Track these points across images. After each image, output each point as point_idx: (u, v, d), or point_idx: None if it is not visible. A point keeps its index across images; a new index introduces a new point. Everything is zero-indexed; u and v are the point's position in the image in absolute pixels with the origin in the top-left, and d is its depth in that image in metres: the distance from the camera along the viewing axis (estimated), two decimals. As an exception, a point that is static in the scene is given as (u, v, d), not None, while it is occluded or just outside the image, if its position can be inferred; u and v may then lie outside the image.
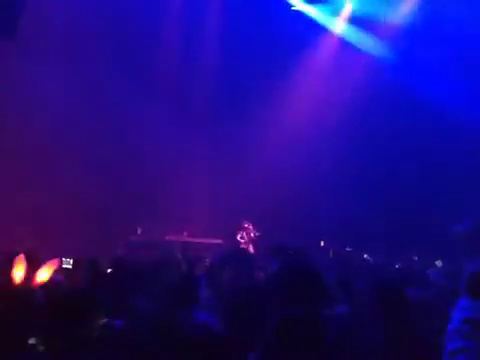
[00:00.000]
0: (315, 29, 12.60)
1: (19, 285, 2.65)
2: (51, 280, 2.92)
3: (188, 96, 12.44)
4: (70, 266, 4.35)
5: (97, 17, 10.66)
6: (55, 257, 2.92)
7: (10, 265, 2.81)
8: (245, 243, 10.11)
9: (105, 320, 2.82)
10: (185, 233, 11.01)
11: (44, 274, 2.73)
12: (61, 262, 3.05)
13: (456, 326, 3.22)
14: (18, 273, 2.65)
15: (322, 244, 10.61)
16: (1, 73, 9.89)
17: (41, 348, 2.48)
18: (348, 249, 7.10)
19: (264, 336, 2.55)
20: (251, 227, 10.26)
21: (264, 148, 12.23)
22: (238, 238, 10.15)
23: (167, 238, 10.51)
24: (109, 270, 4.95)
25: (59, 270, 3.08)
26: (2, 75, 9.92)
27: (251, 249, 10.01)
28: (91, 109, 10.82)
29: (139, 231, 10.58)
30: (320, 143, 11.86)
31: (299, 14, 12.72)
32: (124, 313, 3.18)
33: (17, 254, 3.10)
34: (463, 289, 3.48)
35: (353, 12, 12.39)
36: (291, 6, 12.79)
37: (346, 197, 11.81)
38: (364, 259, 6.72)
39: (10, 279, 2.65)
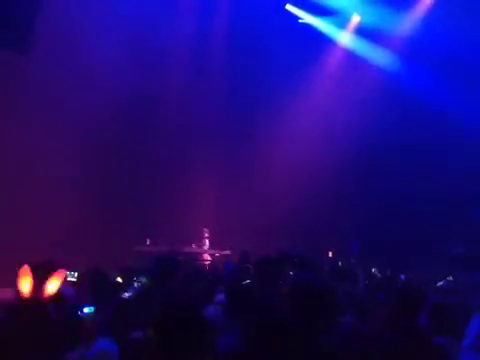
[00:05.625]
0: (322, 41, 12.70)
1: (27, 298, 2.66)
2: (61, 293, 2.95)
3: (197, 110, 12.54)
4: (75, 279, 4.38)
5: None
6: (61, 268, 2.95)
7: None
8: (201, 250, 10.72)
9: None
10: (193, 245, 11.07)
11: (53, 286, 2.76)
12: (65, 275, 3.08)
13: (472, 341, 3.27)
14: (25, 286, 2.66)
15: (330, 255, 10.60)
16: (14, 86, 10.03)
17: None
18: (352, 261, 7.13)
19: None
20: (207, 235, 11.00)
21: (271, 160, 12.28)
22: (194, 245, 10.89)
23: (175, 249, 10.55)
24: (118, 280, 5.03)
25: (65, 282, 3.11)
26: (14, 88, 10.05)
27: (207, 256, 10.68)
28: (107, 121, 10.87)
29: (148, 242, 10.64)
30: (327, 155, 11.89)
31: (306, 27, 12.85)
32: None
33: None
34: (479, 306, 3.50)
35: (360, 24, 12.49)
36: (299, 19, 12.94)
37: (353, 210, 11.79)
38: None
39: (17, 292, 2.66)
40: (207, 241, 11.04)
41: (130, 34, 10.91)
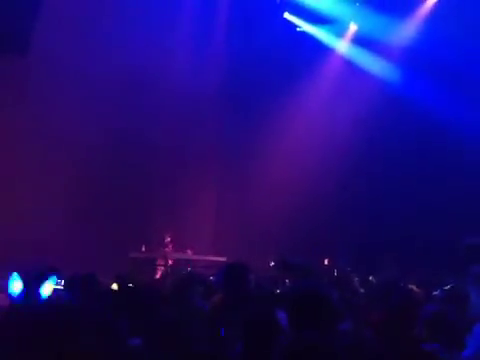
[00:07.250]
0: (320, 50, 12.74)
1: (20, 303, 2.62)
2: (53, 296, 2.90)
3: (196, 117, 12.54)
4: (61, 287, 4.26)
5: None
6: (53, 273, 2.91)
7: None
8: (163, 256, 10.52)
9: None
10: (189, 251, 11.01)
11: (45, 291, 2.71)
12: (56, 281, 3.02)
13: (474, 351, 3.26)
14: (15, 291, 2.62)
15: (326, 263, 10.55)
16: (13, 89, 10.01)
17: None
18: (348, 269, 7.14)
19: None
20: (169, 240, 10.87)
21: (269, 166, 12.26)
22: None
23: (171, 256, 10.51)
24: (113, 287, 4.99)
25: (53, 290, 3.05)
26: (14, 91, 10.03)
27: (170, 262, 10.50)
28: (104, 125, 10.81)
29: (143, 248, 10.57)
30: (325, 163, 11.88)
31: (304, 35, 12.90)
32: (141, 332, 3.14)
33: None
34: None
35: (357, 33, 12.54)
36: (297, 27, 12.99)
37: (351, 216, 11.77)
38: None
39: (10, 297, 2.63)
40: (170, 246, 10.94)
41: (131, 36, 10.93)
